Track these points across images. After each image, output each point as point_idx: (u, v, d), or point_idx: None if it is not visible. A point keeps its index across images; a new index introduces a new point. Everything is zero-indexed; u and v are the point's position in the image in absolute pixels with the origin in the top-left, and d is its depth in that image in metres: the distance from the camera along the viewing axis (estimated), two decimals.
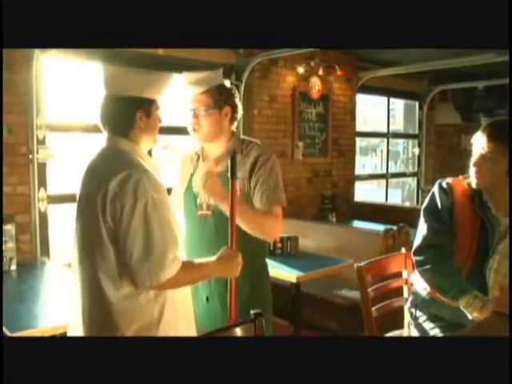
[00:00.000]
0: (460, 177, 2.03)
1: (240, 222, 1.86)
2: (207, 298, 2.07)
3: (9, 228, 3.00)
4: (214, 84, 2.00)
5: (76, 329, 1.67)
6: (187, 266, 1.64)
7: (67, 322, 1.80)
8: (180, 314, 1.69)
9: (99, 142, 1.70)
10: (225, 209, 1.87)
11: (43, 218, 3.34)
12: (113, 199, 1.51)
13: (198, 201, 2.05)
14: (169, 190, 1.69)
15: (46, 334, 2.02)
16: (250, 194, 2.02)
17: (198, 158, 2.15)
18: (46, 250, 3.37)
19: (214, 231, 2.01)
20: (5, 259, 2.95)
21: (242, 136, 2.22)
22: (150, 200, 1.52)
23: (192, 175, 2.11)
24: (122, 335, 1.57)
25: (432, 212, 2.00)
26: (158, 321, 1.61)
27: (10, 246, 2.98)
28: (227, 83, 2.16)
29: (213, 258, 1.72)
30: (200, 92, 1.99)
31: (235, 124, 2.11)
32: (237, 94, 2.11)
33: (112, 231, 1.53)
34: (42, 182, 3.32)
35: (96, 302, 1.60)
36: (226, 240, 1.79)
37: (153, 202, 1.53)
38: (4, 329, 1.95)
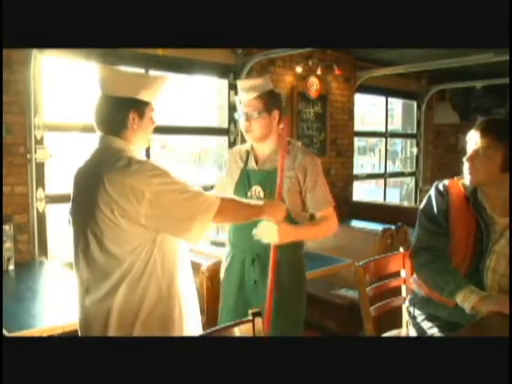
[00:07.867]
0: (455, 178, 2.03)
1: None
2: (255, 281, 2.22)
3: (7, 228, 3.00)
4: (264, 90, 2.18)
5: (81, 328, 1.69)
6: (234, 199, 1.83)
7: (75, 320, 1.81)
8: (189, 312, 1.73)
9: (96, 141, 1.69)
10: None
11: (41, 217, 3.33)
12: (121, 190, 1.51)
13: (249, 194, 2.24)
14: None
15: (45, 334, 2.02)
16: (300, 192, 2.22)
17: (248, 155, 2.32)
18: (44, 250, 3.37)
19: (263, 221, 2.07)
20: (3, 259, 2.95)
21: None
22: (160, 175, 1.55)
23: (243, 170, 2.30)
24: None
25: (428, 214, 2.01)
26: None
27: (8, 245, 2.98)
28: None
29: (261, 202, 1.95)
30: (253, 97, 2.16)
31: (282, 125, 2.29)
32: (284, 99, 2.32)
33: (129, 221, 1.53)
34: (40, 182, 3.32)
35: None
36: None
37: (164, 175, 1.56)
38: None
